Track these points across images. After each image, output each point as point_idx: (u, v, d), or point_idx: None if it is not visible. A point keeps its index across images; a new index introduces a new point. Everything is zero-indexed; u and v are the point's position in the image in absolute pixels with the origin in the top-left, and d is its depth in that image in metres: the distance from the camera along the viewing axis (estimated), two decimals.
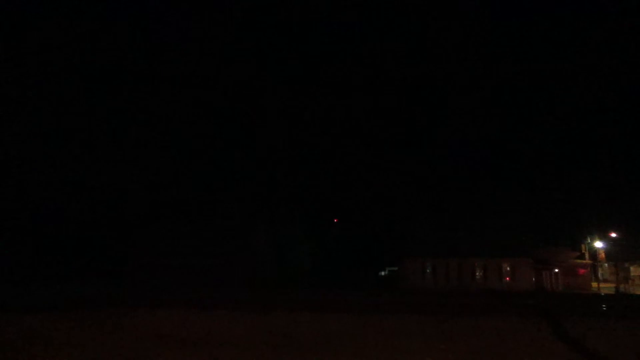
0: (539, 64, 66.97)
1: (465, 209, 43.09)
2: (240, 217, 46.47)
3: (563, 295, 33.37)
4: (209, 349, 11.86)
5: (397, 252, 43.27)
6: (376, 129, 67.94)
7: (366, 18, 68.77)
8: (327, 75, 69.87)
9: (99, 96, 58.02)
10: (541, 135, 62.18)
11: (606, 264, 45.06)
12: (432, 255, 39.89)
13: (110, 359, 10.95)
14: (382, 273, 53.38)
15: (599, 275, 44.21)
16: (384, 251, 49.62)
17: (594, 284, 40.19)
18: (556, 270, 39.64)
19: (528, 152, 60.58)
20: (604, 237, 40.88)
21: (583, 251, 41.36)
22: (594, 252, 41.63)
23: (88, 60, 55.84)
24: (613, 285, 39.32)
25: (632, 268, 43.32)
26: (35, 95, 52.42)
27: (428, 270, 39.85)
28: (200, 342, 12.63)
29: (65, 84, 56.13)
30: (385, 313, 18.90)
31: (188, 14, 64.18)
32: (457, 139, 66.23)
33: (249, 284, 38.20)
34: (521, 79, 68.68)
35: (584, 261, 40.51)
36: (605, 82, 65.20)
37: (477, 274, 39.10)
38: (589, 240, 41.18)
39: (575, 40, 67.45)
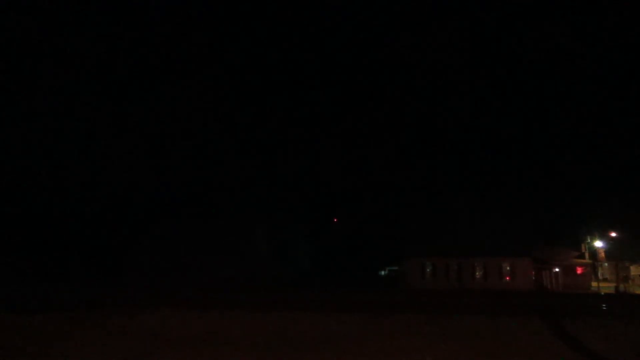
0: (539, 65, 66.97)
1: (465, 209, 43.09)
2: (240, 217, 46.47)
3: (563, 295, 33.34)
4: (209, 349, 11.86)
5: (397, 252, 43.25)
6: (376, 130, 67.96)
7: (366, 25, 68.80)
8: (328, 78, 69.90)
9: (99, 96, 58.02)
10: (541, 135, 62.21)
11: (606, 264, 45.04)
12: (432, 255, 39.87)
13: (111, 359, 10.95)
14: (382, 273, 53.38)
15: (599, 274, 44.20)
16: (384, 251, 49.60)
17: (594, 284, 40.17)
18: (556, 269, 39.62)
19: (528, 152, 60.64)
20: (604, 236, 40.87)
21: (583, 251, 41.35)
22: (594, 252, 41.62)
23: (92, 57, 55.81)
24: (613, 284, 39.31)
25: (632, 268, 43.32)
26: (35, 95, 52.42)
27: (428, 270, 39.83)
28: (200, 342, 12.62)
29: (65, 83, 56.12)
30: (385, 312, 18.89)
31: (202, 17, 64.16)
32: (457, 139, 66.23)
33: (249, 284, 38.18)
34: (521, 79, 68.70)
35: (584, 261, 40.49)
36: (605, 82, 65.20)
37: (477, 273, 39.08)
38: (589, 240, 41.16)
39: (574, 41, 67.42)
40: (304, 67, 67.65)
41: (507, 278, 38.67)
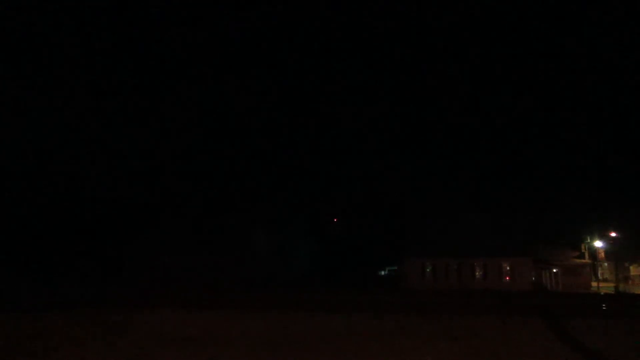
0: (539, 66, 67.01)
1: (465, 209, 43.08)
2: (240, 217, 46.47)
3: (563, 295, 33.33)
4: (209, 349, 11.86)
5: (397, 252, 43.22)
6: (376, 130, 67.99)
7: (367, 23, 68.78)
8: (329, 77, 69.93)
9: (98, 94, 58.03)
10: (541, 135, 62.25)
11: (606, 264, 45.05)
12: (432, 255, 39.83)
13: (111, 358, 10.95)
14: (382, 273, 53.38)
15: (599, 274, 44.20)
16: (384, 251, 49.57)
17: (594, 284, 40.18)
18: (556, 269, 39.62)
19: (528, 152, 60.67)
20: (603, 236, 40.85)
21: (583, 251, 41.34)
22: (593, 252, 41.60)
23: (89, 56, 55.79)
24: (613, 284, 39.31)
25: (631, 267, 43.32)
26: (34, 95, 52.42)
27: (428, 270, 39.81)
28: (200, 342, 12.62)
29: (64, 82, 56.11)
30: (385, 313, 18.88)
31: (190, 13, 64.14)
32: (457, 139, 66.26)
33: (249, 284, 38.18)
34: (521, 79, 68.72)
35: (583, 261, 40.49)
36: (605, 83, 65.21)
37: (477, 274, 39.07)
38: (589, 240, 41.14)
39: (574, 42, 67.48)
40: (304, 66, 67.69)
41: (507, 278, 38.66)
